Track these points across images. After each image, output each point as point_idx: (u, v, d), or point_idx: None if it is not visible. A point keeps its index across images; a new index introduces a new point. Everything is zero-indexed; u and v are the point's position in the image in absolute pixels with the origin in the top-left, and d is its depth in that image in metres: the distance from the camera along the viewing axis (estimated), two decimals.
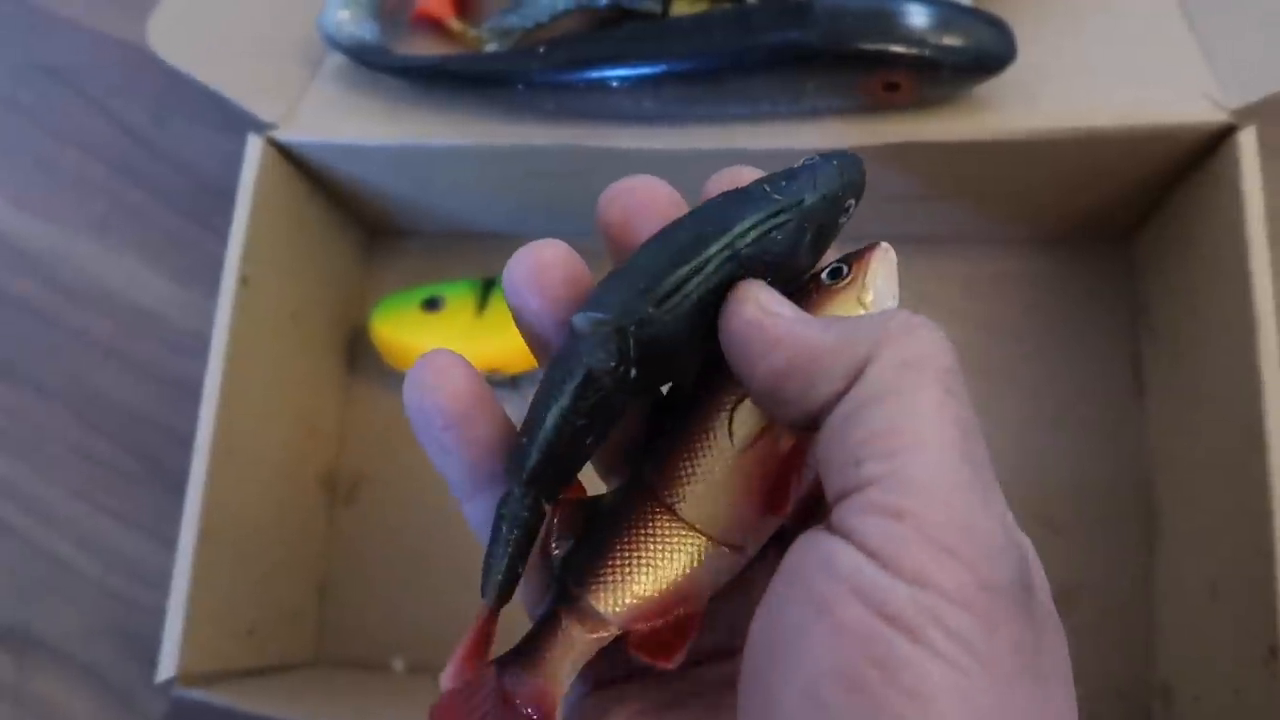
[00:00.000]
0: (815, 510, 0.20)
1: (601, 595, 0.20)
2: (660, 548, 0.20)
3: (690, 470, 0.20)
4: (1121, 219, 0.44)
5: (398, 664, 0.46)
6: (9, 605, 0.50)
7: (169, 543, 0.49)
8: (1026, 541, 0.17)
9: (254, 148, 0.42)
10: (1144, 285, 0.44)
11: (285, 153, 0.43)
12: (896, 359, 0.17)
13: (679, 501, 0.20)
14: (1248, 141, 0.35)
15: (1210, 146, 0.37)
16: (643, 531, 0.20)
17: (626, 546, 0.20)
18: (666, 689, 0.21)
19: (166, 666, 0.36)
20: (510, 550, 0.19)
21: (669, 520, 0.20)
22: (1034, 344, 0.45)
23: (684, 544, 0.20)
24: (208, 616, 0.38)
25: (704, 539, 0.20)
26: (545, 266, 0.20)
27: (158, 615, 0.48)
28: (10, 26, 0.60)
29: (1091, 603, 0.42)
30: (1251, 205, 0.34)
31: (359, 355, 0.51)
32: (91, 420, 0.52)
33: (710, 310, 0.19)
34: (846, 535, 0.16)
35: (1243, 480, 0.34)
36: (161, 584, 0.48)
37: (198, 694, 0.37)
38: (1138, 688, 0.41)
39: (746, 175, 0.21)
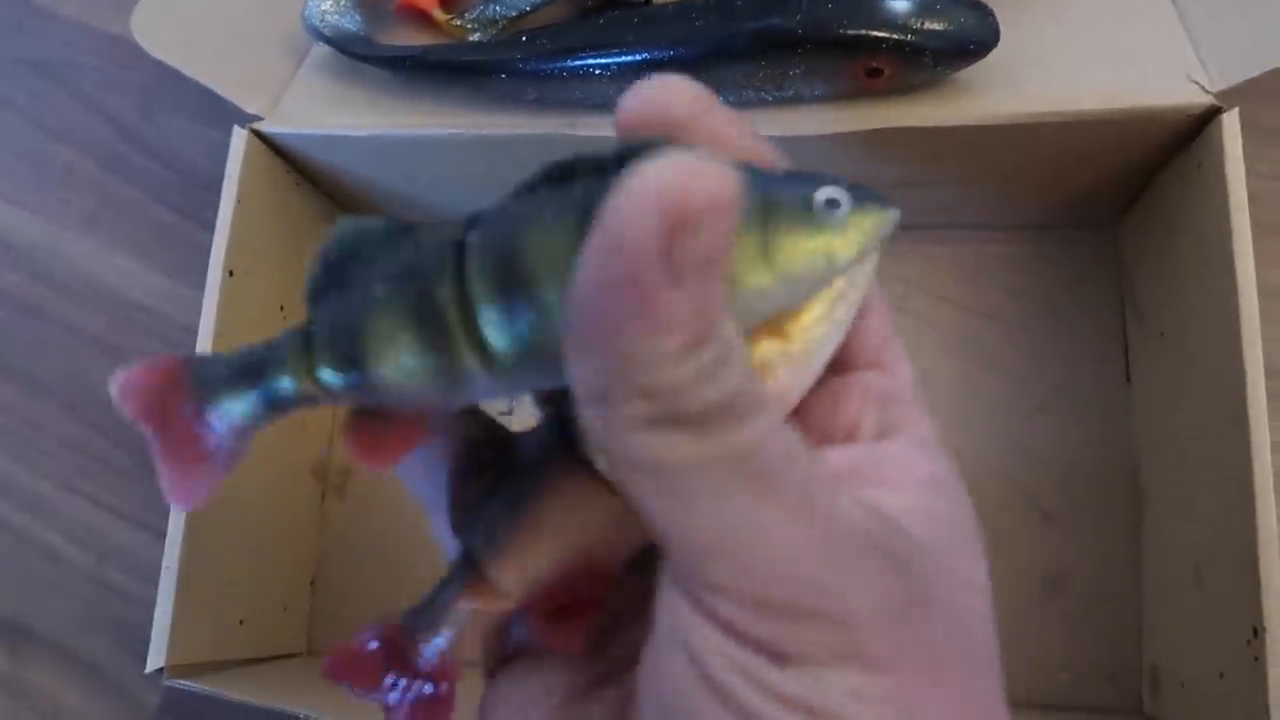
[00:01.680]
0: None
1: (504, 563, 0.18)
2: (573, 510, 0.18)
3: None
4: (1107, 203, 0.44)
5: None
6: (2, 598, 0.50)
7: (161, 535, 0.49)
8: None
9: (239, 140, 0.42)
10: (1130, 270, 0.44)
11: (270, 144, 0.43)
12: None
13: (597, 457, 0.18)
14: (1231, 124, 0.35)
15: (1194, 129, 0.36)
16: (553, 490, 0.18)
17: (535, 507, 0.18)
18: (584, 667, 0.20)
19: (156, 657, 0.36)
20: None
21: (586, 478, 0.18)
22: (1021, 329, 0.45)
23: (601, 504, 0.18)
24: (197, 607, 0.38)
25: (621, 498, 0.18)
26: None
27: (151, 607, 0.48)
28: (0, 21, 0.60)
29: (1080, 587, 0.42)
30: (1235, 188, 0.34)
31: None
32: (83, 414, 0.52)
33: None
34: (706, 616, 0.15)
35: (1226, 465, 0.34)
36: (154, 576, 0.49)
37: (190, 684, 0.37)
38: (1127, 671, 0.41)
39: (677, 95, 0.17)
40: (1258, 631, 0.31)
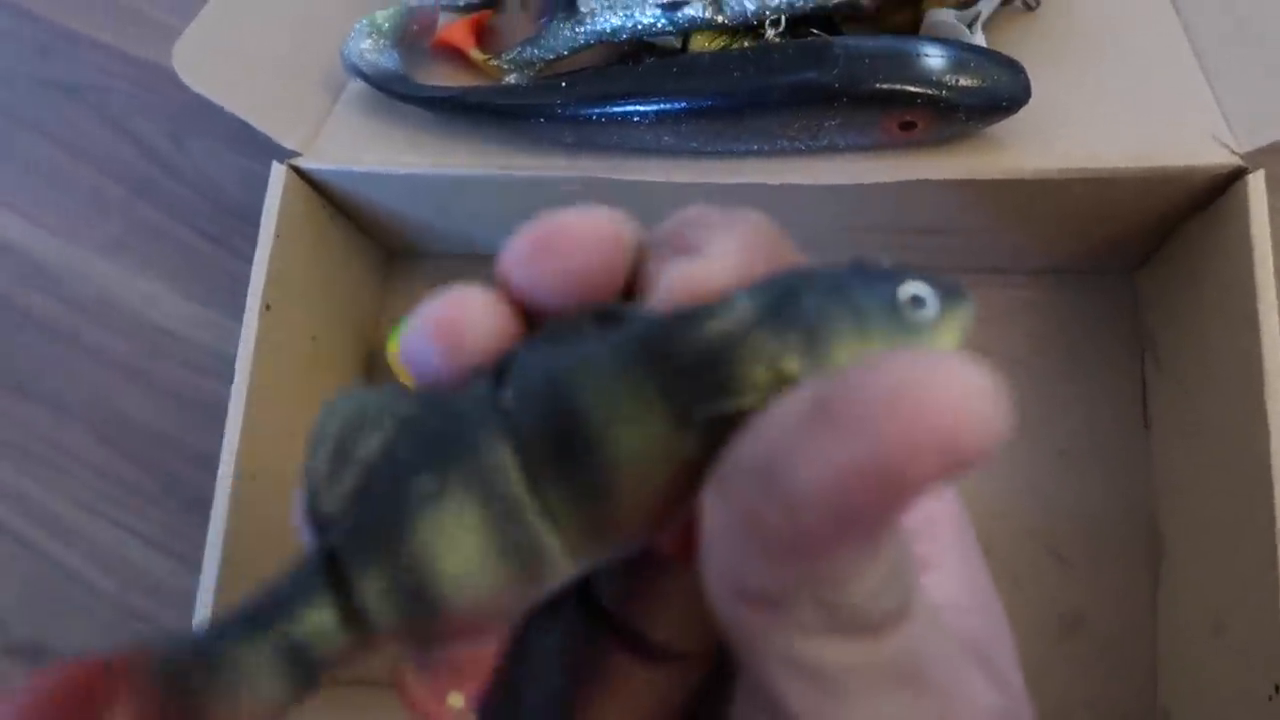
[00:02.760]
0: None
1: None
2: (622, 696, 0.17)
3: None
4: (1130, 252, 0.45)
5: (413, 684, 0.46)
6: (25, 619, 0.50)
7: (184, 560, 0.50)
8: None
9: (277, 176, 0.42)
10: (1151, 319, 0.45)
11: (307, 179, 0.44)
12: None
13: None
14: (1256, 185, 0.36)
15: (1219, 188, 0.37)
16: (600, 681, 0.17)
17: (587, 706, 0.17)
18: None
19: None
20: None
21: (625, 657, 0.16)
22: (1043, 374, 0.46)
23: (646, 682, 0.17)
24: None
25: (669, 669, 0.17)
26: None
27: (173, 631, 0.48)
28: (30, 44, 0.60)
29: (1097, 631, 0.43)
30: (1260, 248, 0.35)
31: (375, 375, 0.51)
32: (109, 437, 0.52)
33: None
34: None
35: (1248, 516, 0.35)
36: (177, 601, 0.49)
37: None
38: (1141, 716, 0.41)
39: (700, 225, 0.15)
40: (1279, 690, 0.32)
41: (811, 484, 0.11)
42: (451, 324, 0.15)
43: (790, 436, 0.11)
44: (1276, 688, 0.32)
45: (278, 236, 0.42)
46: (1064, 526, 0.44)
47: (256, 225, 0.42)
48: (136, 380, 0.53)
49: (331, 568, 0.14)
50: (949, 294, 0.14)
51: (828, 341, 0.13)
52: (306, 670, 0.14)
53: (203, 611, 0.38)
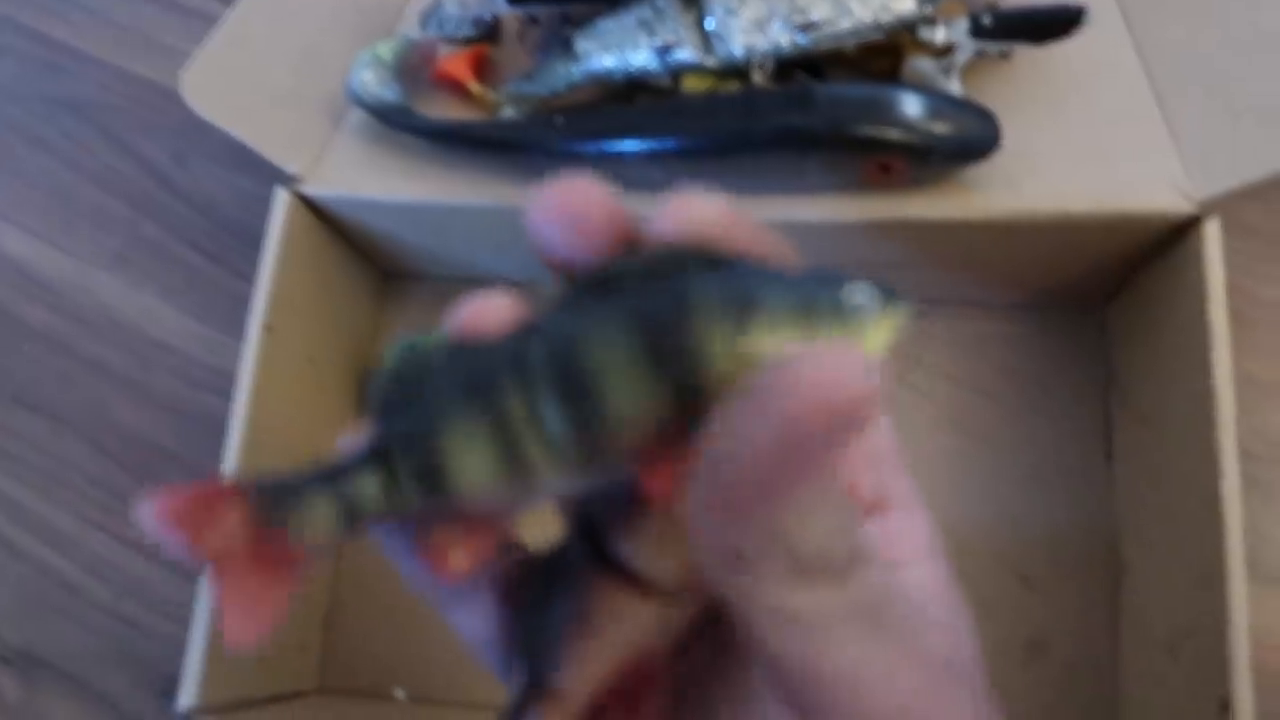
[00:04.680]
0: None
1: (570, 678, 0.20)
2: (622, 619, 0.20)
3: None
4: (1095, 291, 0.47)
5: (399, 693, 0.48)
6: (20, 628, 0.51)
7: (178, 571, 0.51)
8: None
9: (281, 200, 0.44)
10: (1115, 354, 0.47)
11: (309, 205, 0.45)
12: None
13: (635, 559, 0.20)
14: (1211, 231, 0.38)
15: (1177, 233, 0.40)
16: (602, 605, 0.20)
17: (590, 624, 0.20)
18: None
19: (187, 697, 0.38)
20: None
21: (627, 588, 0.20)
22: (1011, 405, 0.48)
23: (644, 610, 0.20)
24: (224, 649, 0.40)
25: (654, 603, 0.20)
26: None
27: (166, 642, 0.50)
28: (34, 62, 0.62)
29: (1060, 653, 0.44)
30: (1214, 293, 0.37)
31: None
32: (105, 448, 0.54)
33: None
34: None
35: (1200, 545, 0.37)
36: (172, 611, 0.50)
37: None
38: None
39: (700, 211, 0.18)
40: (1226, 705, 0.34)
41: (753, 445, 0.15)
42: (574, 207, 0.18)
43: (737, 410, 0.15)
44: (1223, 704, 0.34)
45: (280, 259, 0.43)
46: (1030, 552, 0.46)
47: (254, 244, 0.43)
48: (133, 392, 0.54)
49: (382, 452, 0.18)
50: (887, 296, 0.18)
51: (780, 329, 0.17)
52: (352, 520, 0.18)
53: (198, 621, 0.39)
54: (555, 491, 0.19)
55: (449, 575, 0.19)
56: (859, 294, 0.18)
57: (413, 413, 0.18)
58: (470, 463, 0.18)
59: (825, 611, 0.16)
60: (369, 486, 0.18)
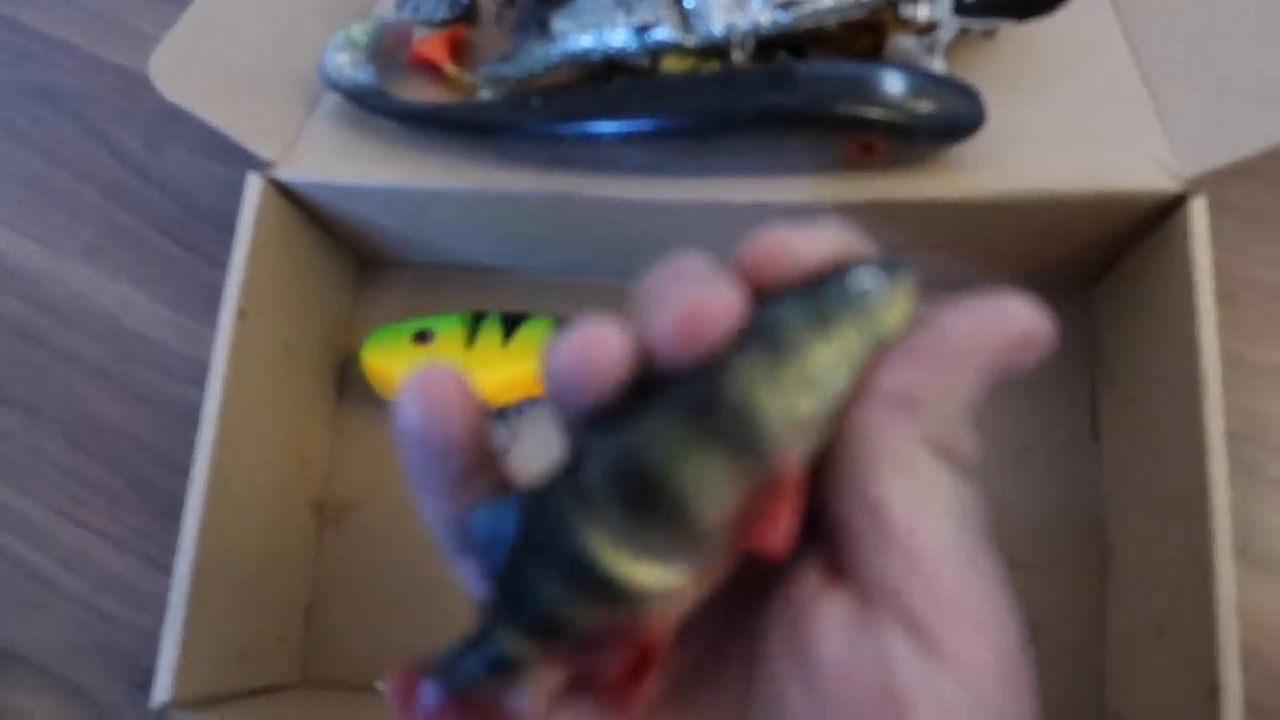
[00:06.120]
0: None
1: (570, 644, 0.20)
2: None
3: None
4: (1082, 271, 0.46)
5: (382, 686, 0.47)
6: None
7: (156, 564, 0.50)
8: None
9: (253, 187, 0.43)
10: (1101, 335, 0.46)
11: (283, 190, 0.44)
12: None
13: None
14: (1198, 210, 0.37)
15: (1164, 212, 0.39)
16: None
17: None
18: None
19: (161, 691, 0.37)
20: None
21: None
22: (997, 387, 0.47)
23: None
24: (200, 642, 0.39)
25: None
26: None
27: (144, 635, 0.49)
28: (5, 49, 0.61)
29: (1049, 636, 0.44)
30: (1200, 272, 0.36)
31: (349, 384, 0.52)
32: (81, 442, 0.53)
33: None
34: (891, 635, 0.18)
35: (1188, 526, 0.36)
36: (148, 604, 0.50)
37: (187, 716, 0.38)
38: (1092, 718, 0.43)
39: (782, 249, 0.20)
40: (1215, 688, 0.33)
41: (960, 327, 0.19)
42: (592, 351, 0.18)
43: (963, 306, 0.19)
44: (1212, 687, 0.33)
45: (253, 246, 0.42)
46: (1017, 534, 0.45)
47: (230, 232, 0.43)
48: (108, 384, 0.54)
49: (491, 615, 0.20)
50: (891, 271, 0.19)
51: (815, 365, 0.18)
52: (515, 671, 0.19)
53: (174, 614, 0.38)
54: (678, 600, 0.19)
55: (634, 706, 0.19)
56: (863, 279, 0.19)
57: (508, 578, 0.19)
58: (580, 614, 0.19)
59: (932, 482, 0.18)
60: (510, 648, 0.19)
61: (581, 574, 0.18)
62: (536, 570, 0.18)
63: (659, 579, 0.18)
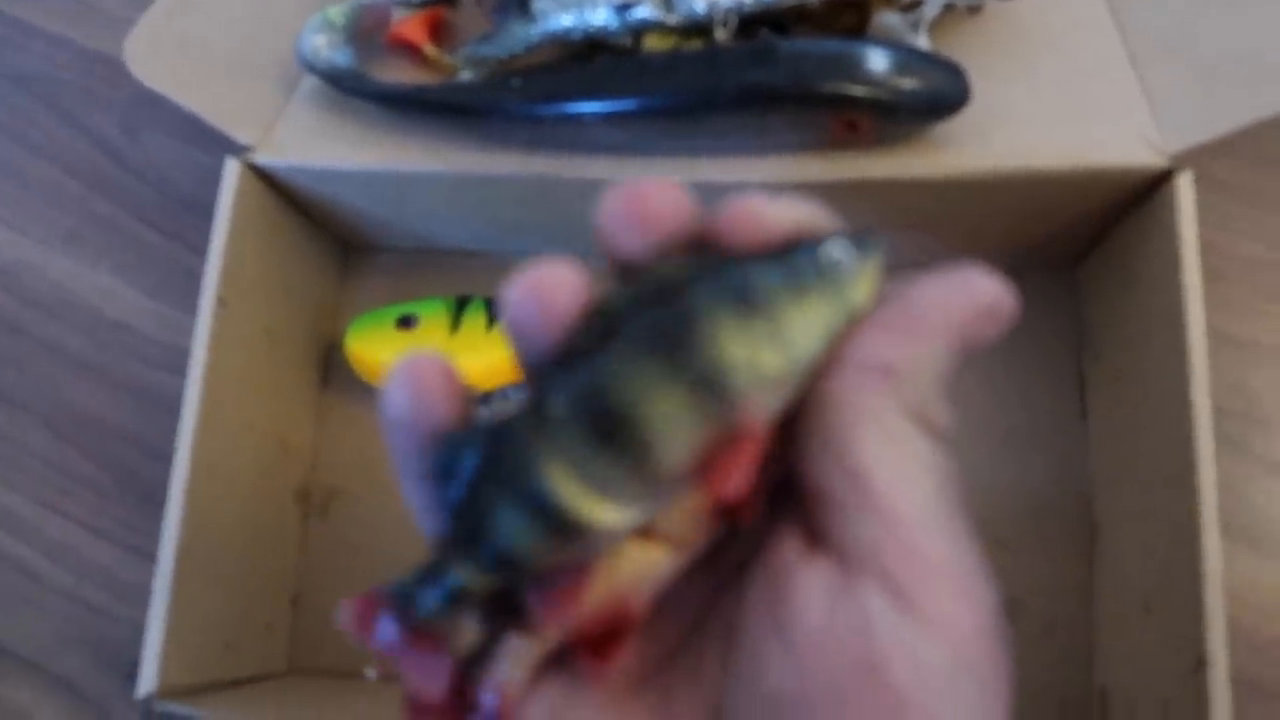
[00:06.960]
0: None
1: (555, 609, 0.19)
2: (615, 557, 0.19)
3: None
4: (1068, 249, 0.46)
5: (370, 673, 0.47)
6: None
7: (140, 554, 0.50)
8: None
9: (231, 171, 0.42)
10: (1088, 312, 0.46)
11: (261, 174, 0.44)
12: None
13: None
14: (1185, 185, 0.37)
15: (1150, 189, 0.39)
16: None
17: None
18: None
19: (147, 681, 0.37)
20: None
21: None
22: (984, 365, 0.47)
23: (637, 551, 0.19)
24: (186, 631, 0.39)
25: (661, 548, 0.20)
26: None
27: (130, 626, 0.49)
28: None
29: (1036, 614, 0.44)
30: (1187, 248, 0.36)
31: (332, 370, 0.51)
32: (62, 431, 0.52)
33: None
34: (868, 596, 0.18)
35: (1174, 502, 0.36)
36: (133, 595, 0.49)
37: (174, 706, 0.38)
38: (1079, 696, 0.43)
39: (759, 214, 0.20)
40: (1202, 662, 0.34)
41: (921, 300, 0.20)
42: (546, 290, 0.19)
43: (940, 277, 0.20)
44: (1199, 661, 0.33)
45: (231, 232, 0.42)
46: (1004, 512, 0.45)
47: (210, 219, 0.42)
48: (90, 374, 0.53)
49: (447, 548, 0.20)
50: (861, 245, 0.20)
51: (784, 321, 0.18)
52: (468, 601, 0.20)
53: (159, 604, 0.38)
54: (624, 530, 0.19)
55: (607, 675, 0.20)
56: (836, 250, 0.19)
57: (464, 510, 0.19)
58: (535, 549, 0.19)
59: (910, 448, 0.19)
60: (466, 581, 0.19)
61: (539, 507, 0.18)
62: (495, 503, 0.19)
63: (615, 517, 0.18)
